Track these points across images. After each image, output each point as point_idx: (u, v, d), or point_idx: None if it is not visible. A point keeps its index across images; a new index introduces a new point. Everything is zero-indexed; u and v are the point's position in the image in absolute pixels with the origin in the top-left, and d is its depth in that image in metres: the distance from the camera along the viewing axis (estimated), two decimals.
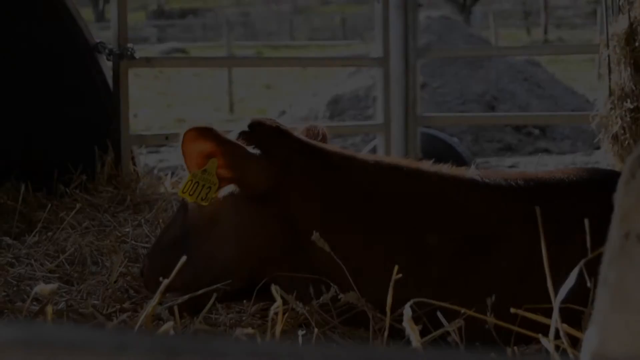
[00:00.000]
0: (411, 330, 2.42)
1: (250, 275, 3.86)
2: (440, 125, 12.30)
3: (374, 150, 9.04)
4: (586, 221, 3.22)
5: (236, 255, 3.88)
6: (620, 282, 1.88)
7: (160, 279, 3.05)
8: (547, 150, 16.54)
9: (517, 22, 60.04)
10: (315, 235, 3.64)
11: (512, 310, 2.86)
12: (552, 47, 23.66)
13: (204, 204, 3.78)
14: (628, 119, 6.17)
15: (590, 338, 1.90)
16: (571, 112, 17.29)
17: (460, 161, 8.62)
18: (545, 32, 50.70)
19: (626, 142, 6.17)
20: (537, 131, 17.18)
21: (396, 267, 3.29)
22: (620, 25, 6.30)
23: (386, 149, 8.85)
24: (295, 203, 3.88)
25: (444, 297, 3.62)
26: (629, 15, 6.24)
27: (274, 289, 2.77)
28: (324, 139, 4.37)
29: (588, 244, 3.37)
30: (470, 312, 3.25)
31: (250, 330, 2.52)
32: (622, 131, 6.19)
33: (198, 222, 3.98)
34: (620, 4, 6.44)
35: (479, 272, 3.80)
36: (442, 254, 3.84)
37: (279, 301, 2.70)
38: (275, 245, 3.86)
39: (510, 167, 14.48)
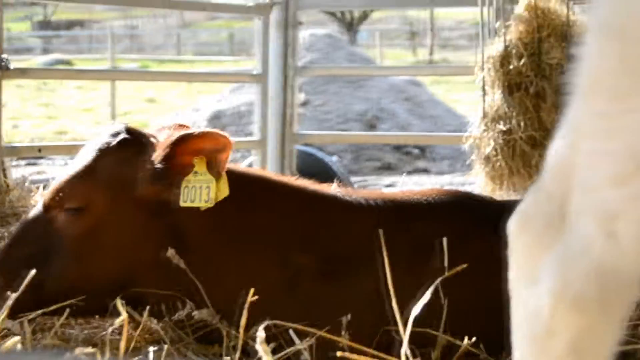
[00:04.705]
0: (263, 352, 2.44)
1: (118, 287, 3.71)
2: (318, 143, 12.39)
3: (249, 167, 9.06)
4: (444, 240, 3.31)
5: (112, 267, 3.74)
6: None
7: (8, 292, 3.02)
8: (425, 170, 16.76)
9: (404, 42, 60.73)
10: (170, 252, 3.63)
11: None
12: (432, 68, 24.01)
13: (209, 205, 3.69)
14: (500, 141, 6.31)
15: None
16: (450, 132, 17.60)
17: (336, 180, 8.70)
18: (431, 52, 51.37)
19: (497, 164, 6.31)
20: (416, 151, 17.40)
21: (252, 290, 3.30)
22: (496, 48, 6.46)
23: (262, 165, 8.87)
24: (184, 217, 3.78)
25: (309, 315, 3.66)
26: (504, 38, 6.40)
27: (120, 303, 2.75)
28: None
29: (445, 263, 3.47)
30: (321, 333, 3.30)
31: (90, 349, 2.49)
32: (494, 152, 6.33)
33: (71, 234, 3.76)
34: (497, 27, 6.61)
35: (340, 292, 3.82)
36: (308, 272, 3.85)
37: (124, 315, 2.68)
38: (156, 258, 3.74)
39: (388, 186, 14.63)
